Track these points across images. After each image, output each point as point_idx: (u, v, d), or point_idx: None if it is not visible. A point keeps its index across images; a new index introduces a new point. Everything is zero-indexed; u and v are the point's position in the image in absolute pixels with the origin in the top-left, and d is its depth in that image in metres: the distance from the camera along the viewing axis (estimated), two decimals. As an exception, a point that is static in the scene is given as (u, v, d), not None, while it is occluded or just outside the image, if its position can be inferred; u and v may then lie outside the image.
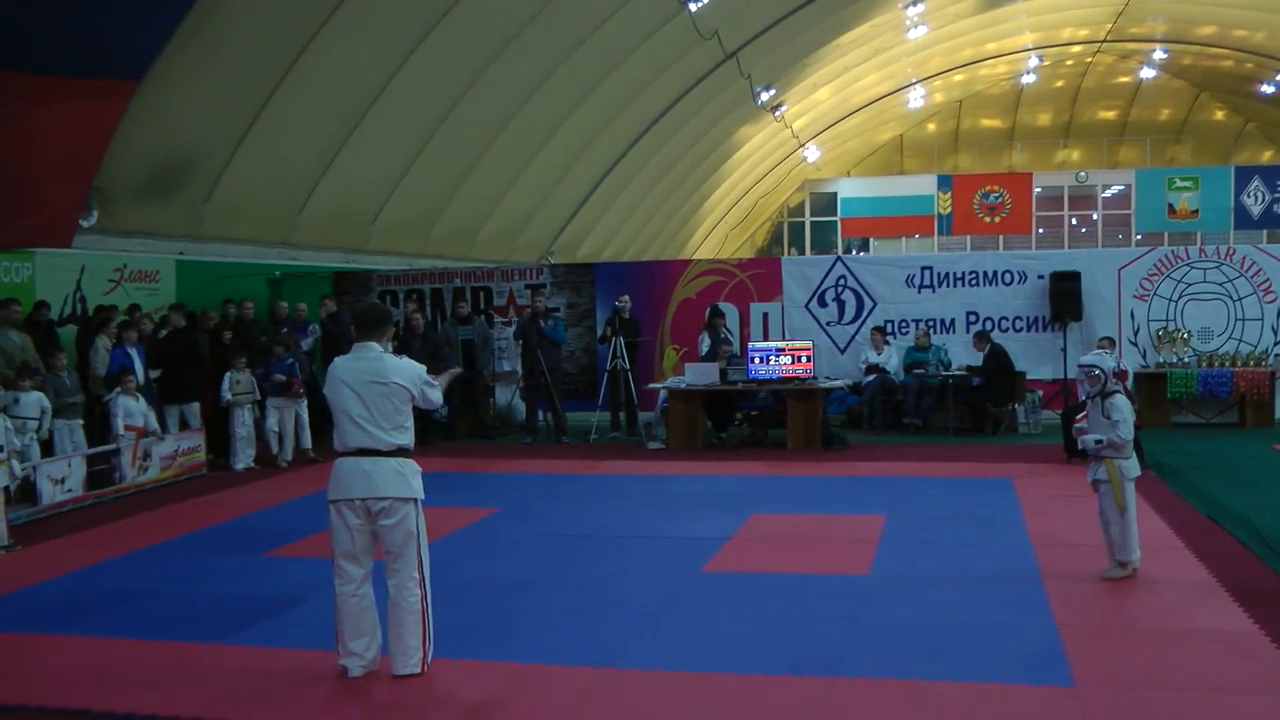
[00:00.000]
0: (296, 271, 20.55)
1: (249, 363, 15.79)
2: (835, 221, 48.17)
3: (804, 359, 16.21)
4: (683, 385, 16.60)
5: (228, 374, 15.56)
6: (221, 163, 18.31)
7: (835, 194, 48.54)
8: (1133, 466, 8.81)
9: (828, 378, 17.00)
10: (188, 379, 15.50)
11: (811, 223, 49.16)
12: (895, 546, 9.95)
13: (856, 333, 18.14)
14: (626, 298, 17.89)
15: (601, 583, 9.01)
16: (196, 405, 15.69)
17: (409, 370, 7.01)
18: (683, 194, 37.84)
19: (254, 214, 19.90)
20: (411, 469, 6.96)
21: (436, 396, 7.16)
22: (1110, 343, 14.78)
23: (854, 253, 44.94)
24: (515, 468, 14.65)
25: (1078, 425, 9.14)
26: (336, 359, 7.19)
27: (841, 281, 18.28)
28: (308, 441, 16.21)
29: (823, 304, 18.29)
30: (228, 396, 15.48)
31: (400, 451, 6.91)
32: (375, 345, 7.04)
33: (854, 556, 9.61)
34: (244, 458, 15.55)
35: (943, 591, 8.47)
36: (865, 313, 18.18)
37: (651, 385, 17.74)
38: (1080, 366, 9.00)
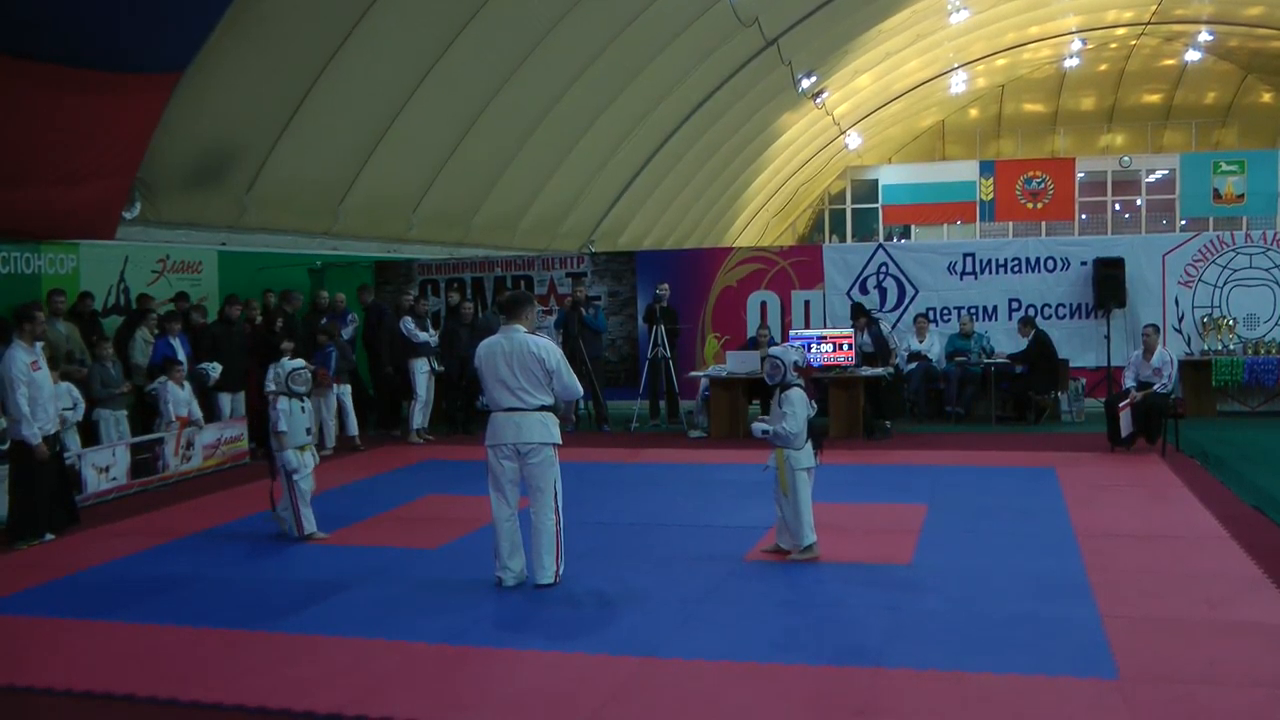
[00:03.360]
0: (338, 261, 20.64)
1: (295, 353, 15.88)
2: (877, 208, 48.01)
3: (845, 347, 16.16)
4: (724, 373, 16.59)
5: (272, 365, 15.62)
6: (263, 153, 18.42)
7: (877, 181, 48.39)
8: (802, 457, 9.22)
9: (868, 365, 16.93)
10: (237, 368, 15.62)
11: (853, 210, 48.99)
12: (937, 536, 9.92)
13: (899, 320, 18.04)
14: (665, 286, 17.87)
15: (642, 572, 9.03)
16: (243, 394, 15.83)
17: (549, 348, 8.59)
18: (724, 182, 37.78)
19: (296, 204, 20.01)
20: (552, 421, 8.65)
21: (577, 389, 8.79)
22: (1155, 330, 14.64)
23: (896, 240, 44.75)
24: (561, 456, 14.65)
25: (761, 418, 9.64)
26: (488, 340, 8.73)
27: (883, 269, 18.21)
28: (353, 428, 16.33)
29: (864, 291, 18.19)
30: (271, 386, 15.54)
31: (542, 408, 8.57)
32: (520, 326, 8.64)
33: (896, 546, 9.60)
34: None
35: (985, 582, 8.44)
36: (907, 300, 18.09)
37: (693, 374, 17.73)
38: (769, 356, 9.52)
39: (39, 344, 11.23)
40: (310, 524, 10.60)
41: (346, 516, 11.32)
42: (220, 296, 17.31)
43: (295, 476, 10.56)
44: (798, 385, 9.27)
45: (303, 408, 10.76)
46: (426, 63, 20.06)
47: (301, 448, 10.70)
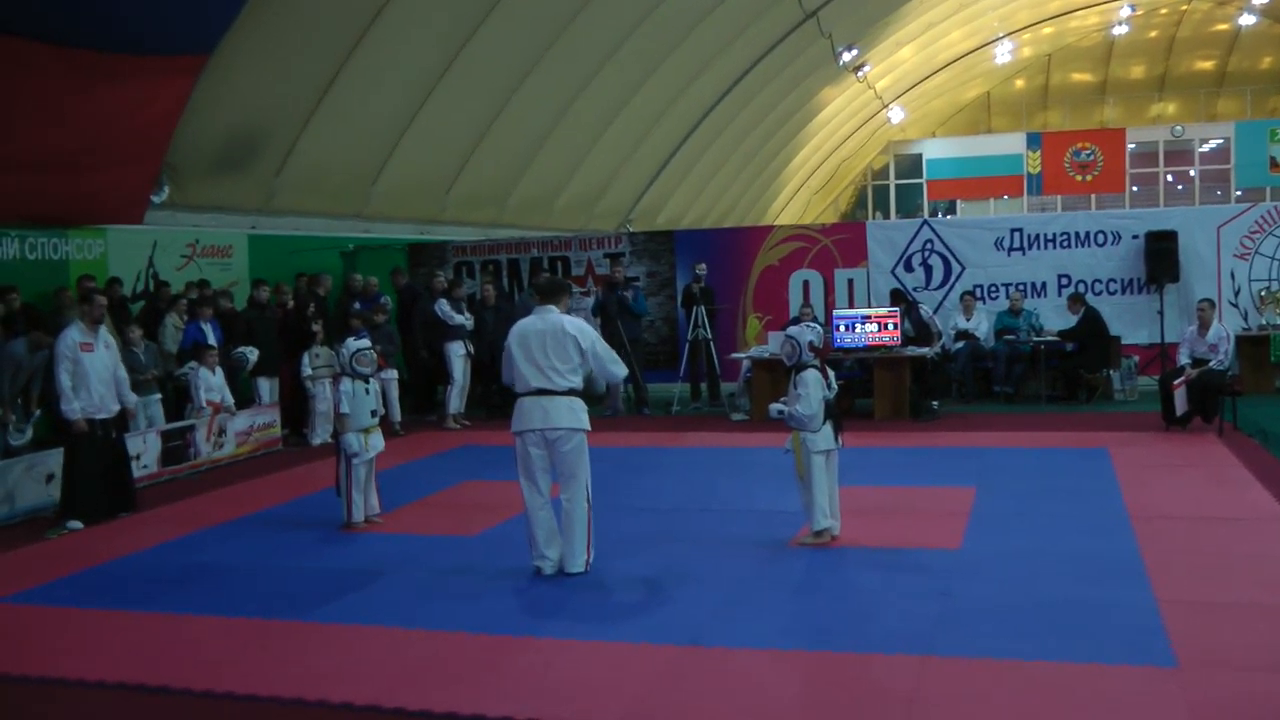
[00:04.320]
0: (370, 244, 20.69)
1: (325, 338, 15.89)
2: (921, 184, 47.77)
3: (890, 326, 16.06)
4: (766, 354, 16.51)
5: (306, 352, 15.67)
6: (293, 135, 18.46)
7: (920, 155, 48.13)
8: (819, 439, 9.15)
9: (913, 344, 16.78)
10: (272, 353, 15.69)
11: (896, 185, 48.78)
12: (987, 520, 9.85)
13: (945, 298, 17.91)
14: (703, 265, 17.81)
15: (685, 558, 9.01)
16: (277, 380, 15.88)
17: (584, 329, 8.63)
18: (763, 158, 37.64)
19: (327, 186, 20.06)
20: (580, 406, 8.59)
21: (619, 371, 8.77)
22: (1210, 305, 14.47)
23: (941, 215, 44.47)
24: (595, 441, 14.63)
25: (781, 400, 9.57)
26: (522, 320, 8.77)
27: (928, 245, 18.07)
28: (397, 415, 16.38)
29: (909, 269, 18.08)
30: (308, 371, 15.61)
31: (571, 392, 8.52)
32: (554, 308, 8.67)
33: (944, 530, 9.54)
34: (321, 433, 15.69)
35: (1037, 566, 8.37)
36: (953, 277, 17.93)
37: (734, 355, 17.67)
38: (785, 337, 9.47)
39: (102, 328, 11.33)
40: (359, 512, 10.57)
41: (384, 503, 11.32)
42: (251, 281, 17.36)
43: (355, 460, 10.49)
44: (813, 366, 9.25)
45: (366, 389, 10.61)
46: (458, 42, 20.04)
47: (365, 430, 10.55)
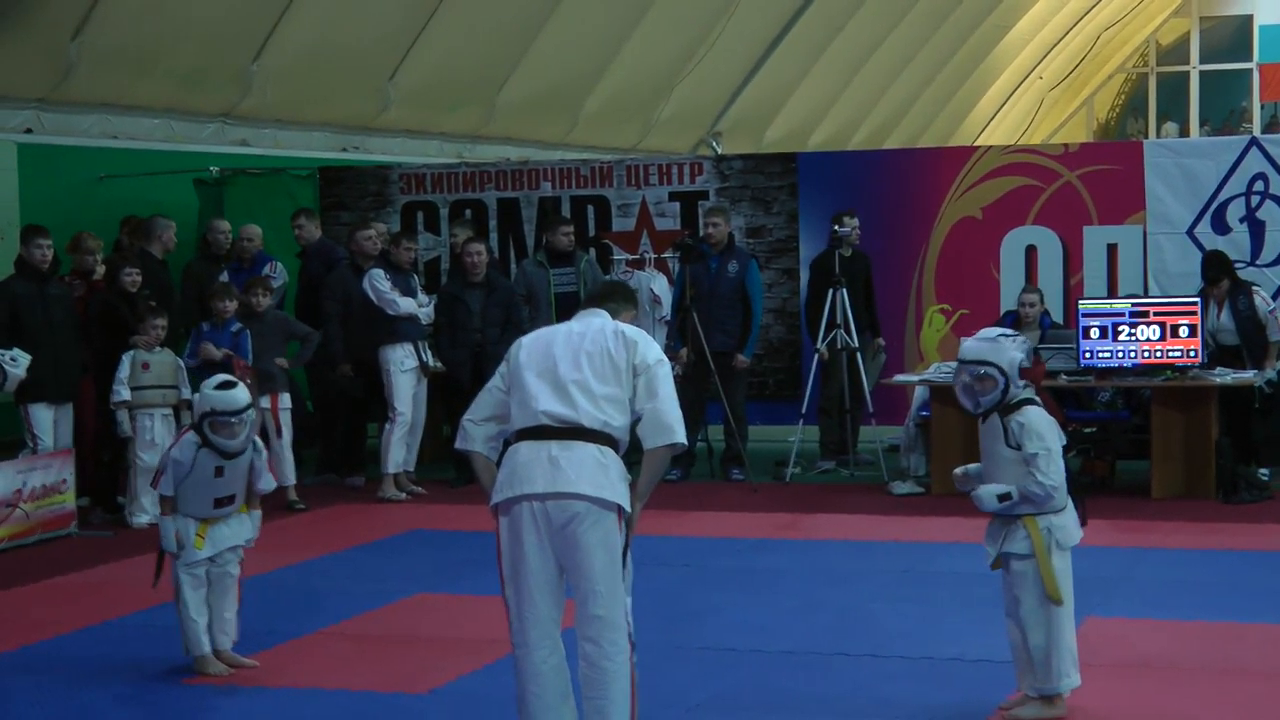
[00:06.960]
0: (251, 166, 20.72)
1: (170, 334, 15.77)
2: (1248, 70, 47.64)
3: (1185, 331, 15.88)
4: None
5: (127, 354, 15.51)
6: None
7: (1249, 18, 47.92)
8: (1070, 528, 9.11)
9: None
10: (63, 362, 15.54)
11: (1201, 75, 48.66)
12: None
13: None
14: (853, 218, 17.70)
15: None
16: (70, 409, 15.73)
17: (649, 342, 8.45)
18: (955, 30, 37.69)
19: (169, 60, 20.06)
20: (615, 465, 8.23)
21: (679, 430, 8.24)
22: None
23: (1287, 129, 44.36)
24: (654, 526, 14.39)
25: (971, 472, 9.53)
26: (546, 328, 8.86)
27: (1259, 184, 17.87)
28: (290, 475, 16.33)
29: (1222, 227, 17.93)
30: (123, 394, 15.45)
31: (607, 438, 8.20)
32: (604, 312, 8.58)
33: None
34: (151, 504, 15.54)
35: None
36: (1308, 244, 17.78)
37: (899, 378, 17.59)
38: (962, 364, 9.36)
39: None
40: (203, 643, 10.36)
41: (271, 631, 11.23)
42: (21, 230, 17.20)
43: (180, 564, 10.33)
44: (1030, 400, 9.13)
45: (218, 470, 10.34)
46: None
47: (203, 519, 10.41)
